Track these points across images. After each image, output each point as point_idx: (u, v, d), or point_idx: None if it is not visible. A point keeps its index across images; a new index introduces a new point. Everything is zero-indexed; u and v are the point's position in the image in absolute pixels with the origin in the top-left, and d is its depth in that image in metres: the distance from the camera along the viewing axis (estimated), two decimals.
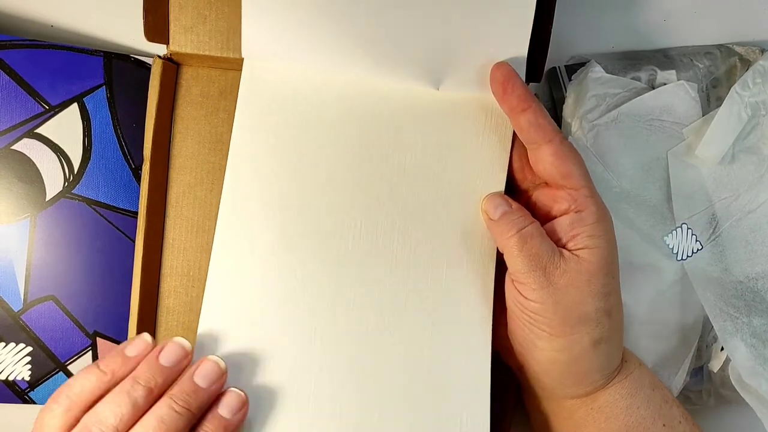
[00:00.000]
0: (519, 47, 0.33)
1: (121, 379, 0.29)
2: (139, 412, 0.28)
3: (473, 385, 0.33)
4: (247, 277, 0.34)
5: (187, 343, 0.31)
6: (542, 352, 0.33)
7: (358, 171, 0.35)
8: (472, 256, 0.34)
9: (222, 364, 0.31)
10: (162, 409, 0.28)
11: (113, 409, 0.28)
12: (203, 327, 0.34)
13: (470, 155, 0.35)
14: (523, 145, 0.34)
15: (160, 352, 0.30)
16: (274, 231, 0.35)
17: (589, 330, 0.32)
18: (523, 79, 0.34)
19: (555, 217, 0.33)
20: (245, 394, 0.31)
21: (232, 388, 0.31)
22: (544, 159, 0.33)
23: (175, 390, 0.29)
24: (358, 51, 0.35)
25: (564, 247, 0.32)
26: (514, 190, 0.36)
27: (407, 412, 0.33)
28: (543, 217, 0.34)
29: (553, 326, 0.32)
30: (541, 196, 0.34)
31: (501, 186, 0.34)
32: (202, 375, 0.30)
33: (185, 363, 0.30)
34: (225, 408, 0.30)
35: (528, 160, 0.34)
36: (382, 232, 0.34)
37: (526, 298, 0.32)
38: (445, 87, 0.35)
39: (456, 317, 0.34)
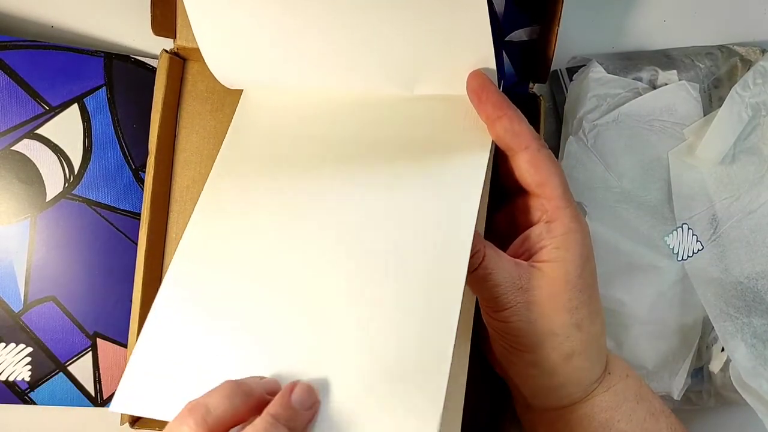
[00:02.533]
0: (485, 53, 0.33)
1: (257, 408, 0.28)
2: None
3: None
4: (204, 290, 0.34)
5: (314, 389, 0.29)
6: (516, 366, 0.33)
7: (336, 173, 0.35)
8: (446, 254, 0.31)
9: (315, 391, 0.29)
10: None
11: None
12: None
13: (450, 152, 0.34)
14: None
15: (291, 392, 0.28)
16: (241, 244, 0.35)
17: (556, 345, 0.32)
18: (497, 84, 0.34)
19: (529, 226, 0.33)
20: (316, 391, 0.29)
21: (302, 382, 0.29)
22: (520, 167, 0.32)
23: (276, 409, 0.27)
24: (327, 67, 0.35)
25: (530, 259, 0.32)
26: (502, 194, 0.36)
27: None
28: (522, 225, 0.34)
29: (521, 343, 0.32)
30: (521, 204, 0.34)
31: (480, 181, 0.33)
32: (298, 399, 0.28)
33: (315, 408, 0.29)
34: (297, 403, 0.28)
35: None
36: (358, 228, 0.33)
37: (493, 318, 0.32)
38: (419, 90, 0.35)
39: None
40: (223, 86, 0.40)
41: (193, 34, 0.38)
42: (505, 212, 0.36)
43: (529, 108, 0.38)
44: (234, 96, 0.40)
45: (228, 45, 0.36)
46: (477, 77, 0.33)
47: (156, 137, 0.38)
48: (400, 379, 0.29)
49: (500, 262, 0.31)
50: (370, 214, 0.33)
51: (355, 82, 0.36)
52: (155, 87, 0.38)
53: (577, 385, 0.33)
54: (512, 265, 0.32)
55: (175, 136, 0.40)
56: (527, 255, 0.33)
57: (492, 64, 0.33)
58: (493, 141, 0.33)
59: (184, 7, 0.38)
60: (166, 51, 0.39)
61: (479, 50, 0.32)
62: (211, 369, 0.31)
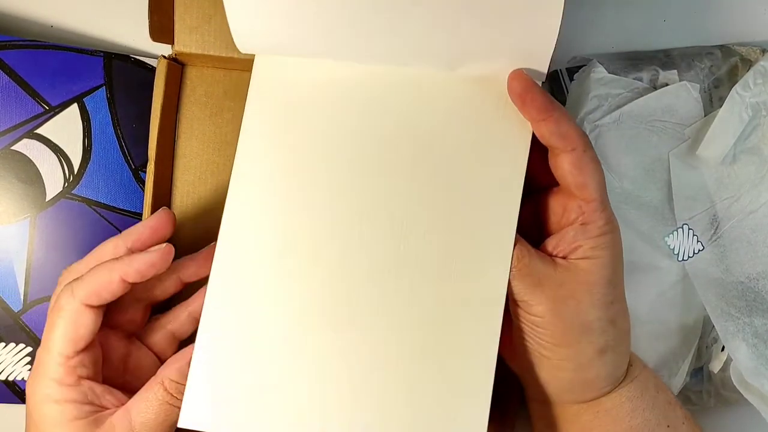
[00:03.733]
0: (543, 54, 0.32)
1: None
2: None
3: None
4: (250, 279, 0.33)
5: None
6: (548, 361, 0.33)
7: (369, 163, 0.34)
8: (487, 253, 0.32)
9: (172, 215, 0.34)
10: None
11: None
12: (203, 331, 0.33)
13: (490, 138, 0.33)
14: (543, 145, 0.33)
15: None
16: (279, 231, 0.34)
17: (592, 339, 0.32)
18: (545, 81, 0.33)
19: (563, 225, 0.33)
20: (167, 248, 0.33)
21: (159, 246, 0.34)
22: (563, 167, 0.32)
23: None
24: (365, 41, 0.34)
25: (565, 257, 0.32)
26: (531, 187, 0.35)
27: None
28: (552, 223, 0.34)
29: (556, 337, 0.32)
30: (554, 201, 0.34)
31: (522, 170, 0.33)
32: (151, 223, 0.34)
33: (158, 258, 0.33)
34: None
35: (547, 160, 0.33)
36: (394, 226, 0.33)
37: (527, 312, 0.32)
38: (462, 70, 0.34)
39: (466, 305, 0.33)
40: (222, 90, 0.40)
41: (190, 40, 0.38)
42: (528, 206, 0.35)
43: None
44: (233, 101, 0.40)
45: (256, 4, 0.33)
46: (519, 79, 0.32)
47: (155, 143, 0.38)
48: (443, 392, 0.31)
49: (533, 258, 0.31)
50: (407, 213, 0.33)
51: (393, 56, 0.34)
52: (154, 93, 0.38)
53: (608, 378, 0.33)
54: (547, 260, 0.32)
55: (174, 141, 0.40)
56: (561, 255, 0.33)
57: (544, 67, 0.32)
58: (532, 134, 0.33)
59: (181, 14, 0.38)
60: (165, 57, 0.39)
61: (539, 49, 0.32)
62: (269, 379, 0.32)
